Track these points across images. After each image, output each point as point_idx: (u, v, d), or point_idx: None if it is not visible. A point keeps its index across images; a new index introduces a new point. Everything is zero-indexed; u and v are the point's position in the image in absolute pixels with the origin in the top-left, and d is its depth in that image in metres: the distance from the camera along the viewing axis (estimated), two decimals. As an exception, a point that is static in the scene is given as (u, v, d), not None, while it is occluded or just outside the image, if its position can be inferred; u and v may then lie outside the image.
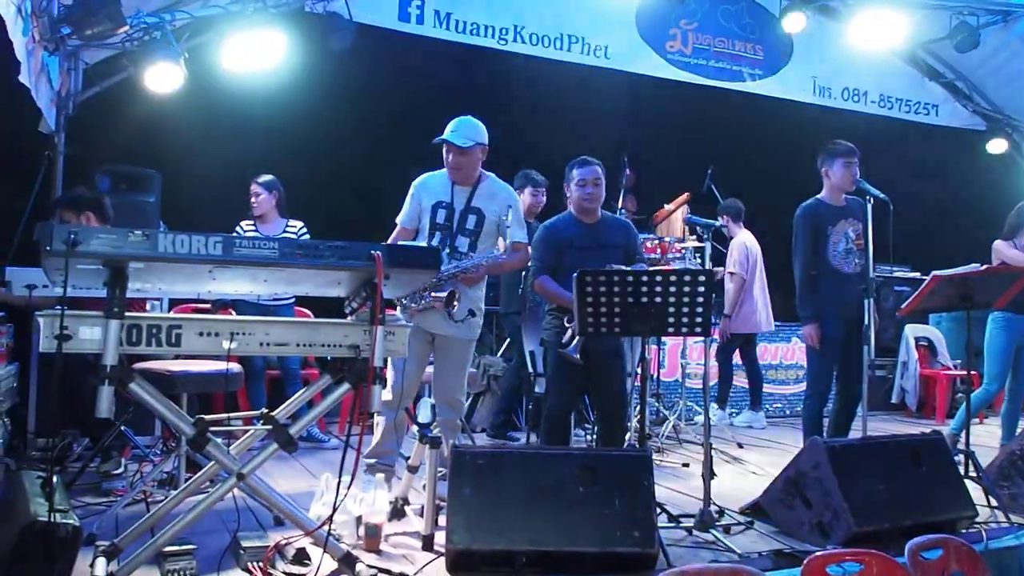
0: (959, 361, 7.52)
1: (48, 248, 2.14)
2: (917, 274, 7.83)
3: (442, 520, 3.01)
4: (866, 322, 4.36)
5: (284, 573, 2.78)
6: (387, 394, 3.64)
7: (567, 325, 3.75)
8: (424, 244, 3.69)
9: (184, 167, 5.43)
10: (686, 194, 5.86)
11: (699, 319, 3.28)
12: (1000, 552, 3.30)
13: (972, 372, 4.83)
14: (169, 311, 4.74)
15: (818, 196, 4.55)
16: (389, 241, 3.83)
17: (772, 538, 3.39)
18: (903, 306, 4.58)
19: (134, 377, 2.42)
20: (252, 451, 2.76)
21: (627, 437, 4.31)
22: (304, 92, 5.84)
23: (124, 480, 3.92)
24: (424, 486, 3.24)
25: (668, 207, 5.89)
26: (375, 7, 5.67)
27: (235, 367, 3.84)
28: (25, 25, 3.69)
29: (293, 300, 5.12)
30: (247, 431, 2.90)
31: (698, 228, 4.85)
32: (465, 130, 3.76)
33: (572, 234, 3.95)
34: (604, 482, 2.92)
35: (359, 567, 2.66)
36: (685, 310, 3.26)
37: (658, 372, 6.19)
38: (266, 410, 2.75)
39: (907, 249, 6.09)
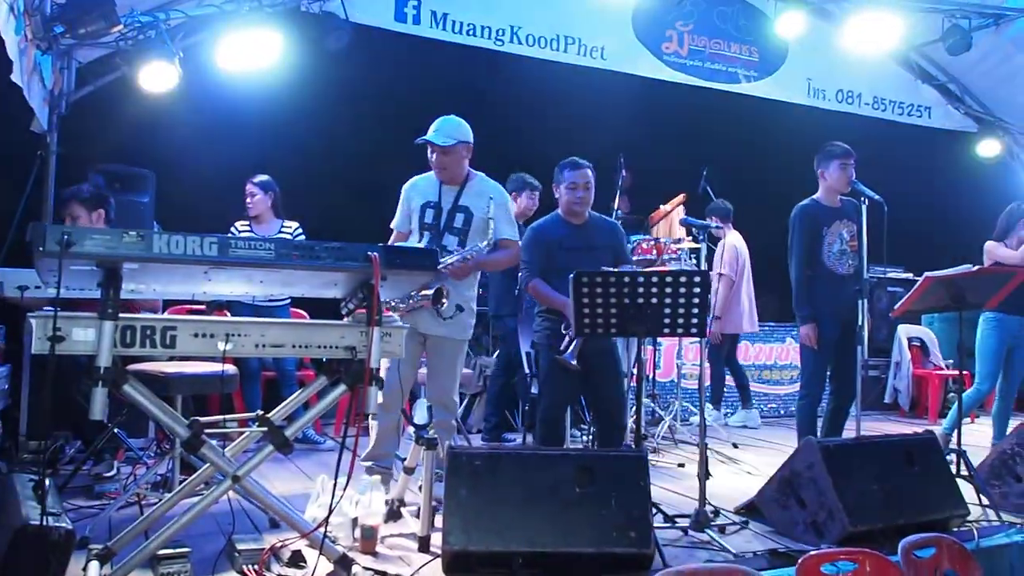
0: (951, 361, 7.56)
1: (41, 249, 2.13)
2: (910, 275, 7.87)
3: (438, 521, 3.01)
4: (860, 323, 4.39)
5: None
6: (380, 397, 3.63)
7: (564, 332, 3.74)
8: (421, 245, 3.69)
9: (178, 167, 5.41)
10: (682, 195, 5.87)
11: (694, 320, 3.30)
12: (991, 550, 3.32)
13: (964, 372, 4.85)
14: (163, 312, 4.72)
15: (814, 197, 4.57)
16: (387, 246, 3.83)
17: (767, 538, 3.41)
18: (896, 307, 4.60)
19: (128, 379, 2.41)
20: (247, 453, 2.75)
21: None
22: (300, 92, 5.83)
23: (117, 483, 3.90)
24: (420, 487, 3.24)
25: (664, 208, 5.89)
26: (371, 7, 5.66)
27: (230, 369, 3.83)
28: (18, 24, 3.67)
29: (288, 301, 5.11)
30: (242, 433, 2.89)
31: (694, 229, 4.85)
32: (447, 129, 3.76)
33: (560, 235, 3.95)
34: (600, 483, 2.92)
35: (355, 569, 2.66)
36: (681, 311, 3.28)
37: (654, 373, 6.21)
38: (261, 412, 2.74)
39: (900, 250, 6.11)
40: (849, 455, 3.44)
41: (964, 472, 4.05)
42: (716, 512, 3.60)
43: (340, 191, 6.18)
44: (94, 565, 2.49)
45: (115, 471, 3.99)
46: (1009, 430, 4.78)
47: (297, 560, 2.83)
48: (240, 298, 4.54)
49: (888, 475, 3.42)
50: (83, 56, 4.98)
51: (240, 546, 2.84)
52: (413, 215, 3.86)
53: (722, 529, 3.45)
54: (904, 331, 7.69)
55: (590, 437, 4.91)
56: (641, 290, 3.26)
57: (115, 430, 3.90)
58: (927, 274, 4.29)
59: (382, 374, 2.65)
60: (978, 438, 5.33)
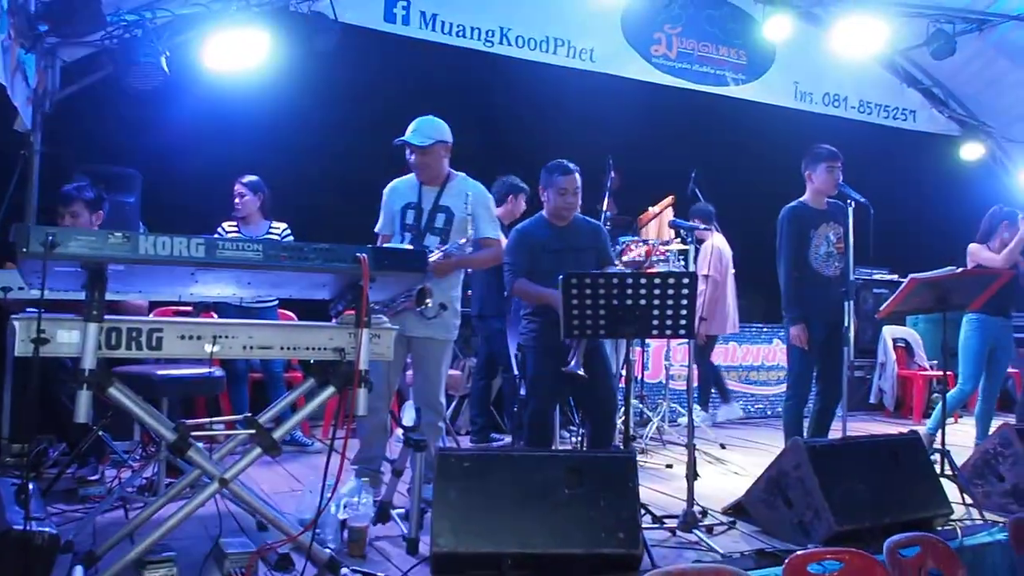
0: (935, 362, 7.62)
1: (25, 250, 2.11)
2: (895, 276, 7.93)
3: (427, 523, 3.00)
4: (846, 324, 4.42)
5: (267, 578, 2.76)
6: None
7: (566, 343, 3.71)
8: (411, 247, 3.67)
9: (165, 167, 5.37)
10: (670, 197, 5.89)
11: (683, 321, 3.31)
12: (974, 549, 3.35)
13: (948, 373, 4.90)
14: (149, 314, 4.69)
15: (801, 199, 4.60)
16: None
17: (754, 538, 3.43)
18: (881, 308, 4.64)
19: (113, 382, 2.39)
20: (234, 456, 2.73)
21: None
22: (288, 92, 5.81)
23: (102, 487, 3.86)
24: (409, 489, 3.23)
25: (653, 210, 5.91)
26: (360, 7, 5.64)
27: (217, 371, 3.81)
28: (1, 22, 3.64)
29: (276, 303, 5.08)
30: (230, 435, 2.88)
31: (682, 231, 4.87)
32: (425, 129, 3.75)
33: (545, 237, 3.96)
34: (589, 484, 2.93)
35: (343, 572, 2.65)
36: (669, 312, 3.30)
37: (642, 374, 6.22)
38: (249, 414, 2.73)
39: (885, 252, 6.16)
40: (835, 455, 3.46)
41: (948, 472, 4.09)
42: (704, 513, 3.62)
43: (328, 192, 6.16)
44: (78, 570, 2.47)
45: (100, 475, 3.95)
46: (991, 430, 4.83)
47: (285, 564, 2.81)
48: (227, 299, 4.51)
49: (873, 475, 3.45)
50: (68, 55, 4.94)
51: (227, 550, 2.82)
52: (395, 217, 3.86)
53: (710, 529, 3.46)
54: (889, 332, 7.75)
55: (579, 438, 4.92)
56: (630, 292, 3.27)
57: (100, 433, 3.86)
58: (912, 276, 4.33)
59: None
60: (962, 438, 5.38)
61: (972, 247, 5.36)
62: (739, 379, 7.31)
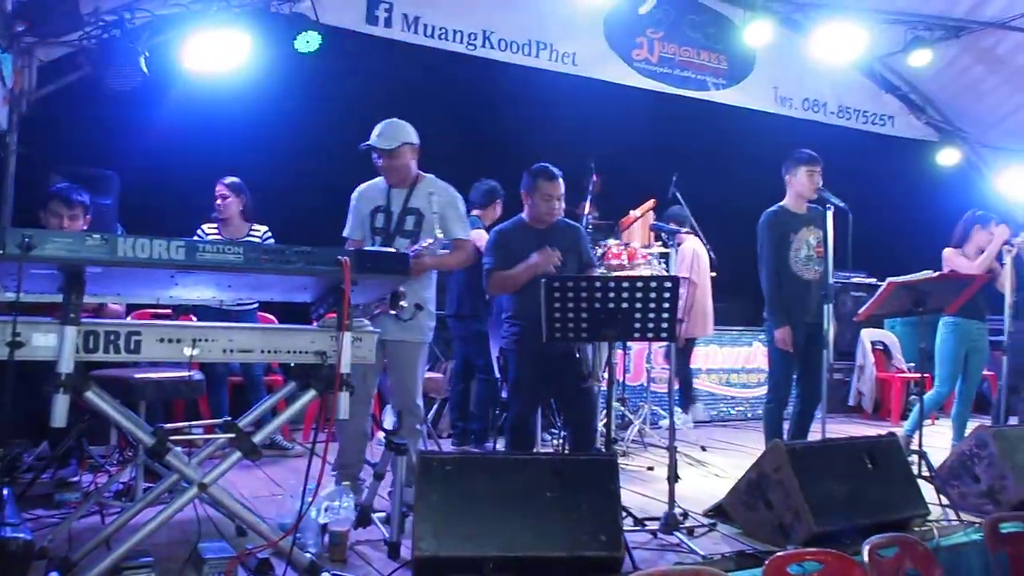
0: (912, 365, 7.70)
1: (1, 252, 2.08)
2: (874, 280, 8.01)
3: (409, 527, 2.99)
4: (825, 327, 4.46)
5: (247, 583, 2.74)
6: None
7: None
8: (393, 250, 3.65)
9: (143, 168, 5.32)
10: (652, 200, 5.91)
11: (665, 324, 3.32)
12: (951, 549, 3.39)
13: (925, 375, 4.95)
14: (127, 317, 4.64)
15: (781, 203, 4.64)
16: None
17: (735, 539, 3.44)
18: (860, 311, 4.69)
19: (91, 385, 2.37)
20: (214, 460, 2.71)
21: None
22: (268, 94, 5.77)
23: (78, 492, 3.81)
24: (390, 493, 3.22)
25: (634, 213, 5.93)
26: (342, 9, 5.63)
27: (196, 374, 3.77)
28: (-22, 22, 3.60)
29: (257, 306, 5.05)
30: (209, 440, 2.85)
31: (663, 234, 4.89)
32: (390, 132, 3.74)
33: (525, 240, 3.95)
34: (571, 487, 2.93)
35: (324, 576, 2.63)
36: (651, 316, 3.31)
37: (623, 377, 6.24)
38: (229, 418, 2.71)
39: (864, 256, 6.22)
40: (815, 457, 3.49)
41: (925, 473, 4.14)
42: (685, 515, 3.63)
43: (310, 194, 6.12)
44: (55, 576, 2.44)
45: (78, 477, 3.90)
46: (967, 432, 4.89)
47: (265, 568, 2.79)
48: (207, 302, 4.48)
49: (852, 476, 3.48)
50: (45, 54, 4.89)
51: (206, 555, 2.79)
52: (364, 221, 3.84)
53: (691, 531, 3.48)
54: (867, 335, 7.82)
55: (561, 441, 4.92)
56: (612, 295, 3.28)
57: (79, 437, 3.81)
58: (890, 279, 4.38)
59: None
60: (938, 440, 5.43)
61: (947, 252, 5.42)
62: (720, 382, 7.35)
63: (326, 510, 3.11)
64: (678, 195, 6.16)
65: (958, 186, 8.28)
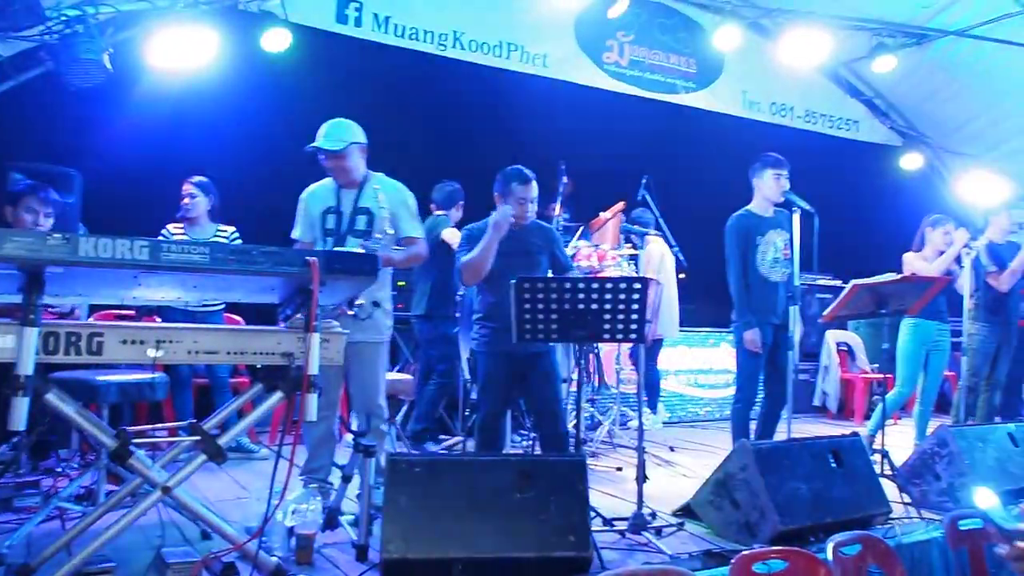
0: (876, 366, 7.83)
1: (-41, 251, 2.04)
2: (839, 282, 8.13)
3: (377, 530, 2.97)
4: (791, 328, 4.52)
5: (212, 588, 2.70)
6: None
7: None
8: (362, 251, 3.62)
9: (106, 167, 5.22)
10: (621, 203, 5.94)
11: (634, 326, 3.34)
12: (912, 546, 3.45)
13: (887, 376, 5.04)
14: (89, 317, 4.56)
15: (748, 207, 4.68)
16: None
17: (702, 539, 3.47)
18: (825, 313, 4.75)
19: (51, 387, 2.32)
20: (178, 463, 2.67)
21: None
22: (236, 92, 5.71)
23: (38, 496, 3.73)
24: (359, 495, 3.20)
25: (604, 215, 5.96)
26: (311, 8, 5.59)
27: (160, 376, 3.72)
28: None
29: (223, 306, 4.99)
30: (173, 442, 2.81)
31: (633, 236, 4.92)
32: (336, 132, 3.72)
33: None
34: (540, 488, 2.93)
35: (290, 580, 2.61)
36: (621, 317, 3.32)
37: (593, 378, 6.26)
38: (193, 420, 2.67)
39: (829, 258, 6.31)
40: (780, 457, 3.53)
41: (887, 471, 4.21)
42: (653, 515, 3.65)
43: (278, 195, 6.04)
44: (13, 582, 2.39)
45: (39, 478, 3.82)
46: (929, 431, 4.98)
47: (230, 572, 2.75)
48: (172, 303, 4.41)
49: (817, 475, 3.53)
50: (5, 49, 4.79)
51: (170, 559, 2.75)
52: (315, 223, 3.81)
53: (659, 531, 3.50)
54: (832, 336, 7.93)
55: (530, 442, 4.92)
56: (582, 296, 3.29)
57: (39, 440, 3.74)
58: (854, 282, 4.45)
59: None
60: (901, 439, 5.53)
61: (907, 256, 5.51)
62: (687, 383, 7.40)
63: (293, 513, 3.08)
64: (648, 197, 6.20)
65: (921, 190, 8.45)
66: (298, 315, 2.56)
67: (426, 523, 2.79)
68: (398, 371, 5.89)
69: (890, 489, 3.89)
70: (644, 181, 6.23)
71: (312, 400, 2.50)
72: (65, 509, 3.32)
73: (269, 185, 6.10)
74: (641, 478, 3.62)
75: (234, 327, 4.36)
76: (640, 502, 3.54)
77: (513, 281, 3.32)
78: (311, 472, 3.74)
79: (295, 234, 3.90)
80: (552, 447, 3.86)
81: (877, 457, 4.26)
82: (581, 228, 5.84)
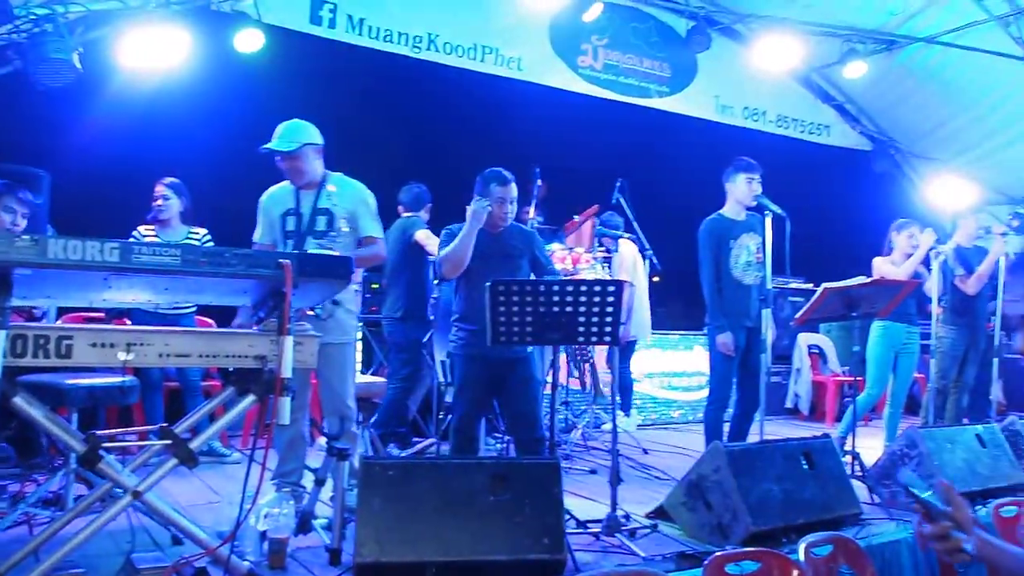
0: (847, 368, 7.92)
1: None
2: (810, 285, 8.21)
3: (350, 533, 2.96)
4: (764, 331, 4.56)
5: (183, 593, 2.67)
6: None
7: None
8: (337, 253, 3.60)
9: (76, 168, 5.16)
10: (595, 206, 5.97)
11: (608, 328, 3.35)
12: (882, 546, 3.49)
13: (858, 378, 5.10)
14: (57, 320, 4.49)
15: (720, 211, 4.73)
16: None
17: (675, 540, 3.49)
18: (797, 315, 4.81)
19: (19, 391, 2.29)
20: (149, 467, 2.64)
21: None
22: (209, 93, 5.66)
23: (3, 500, 3.66)
24: (332, 499, 3.18)
25: (577, 218, 5.98)
26: (285, 9, 5.55)
27: (130, 379, 3.67)
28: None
29: (194, 309, 4.94)
30: (143, 446, 2.78)
31: (605, 240, 4.95)
32: (290, 134, 3.71)
33: (477, 243, 3.93)
34: (514, 490, 2.93)
35: (263, 584, 2.59)
36: (595, 320, 3.33)
37: (588, 386, 6.26)
38: (164, 424, 2.64)
39: (801, 261, 6.37)
40: (753, 459, 3.56)
41: (858, 472, 4.26)
42: (627, 517, 3.66)
43: (251, 197, 6.00)
44: (-22, 589, 2.35)
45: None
46: (898, 432, 5.05)
47: (201, 577, 2.73)
48: (142, 306, 4.36)
49: (788, 477, 3.57)
50: (-29, 48, 4.72)
51: (140, 565, 2.72)
52: (275, 225, 3.79)
53: (632, 533, 3.51)
54: (804, 339, 8.01)
55: (504, 445, 4.93)
56: (557, 299, 3.30)
57: (2, 443, 3.67)
58: (825, 285, 4.50)
59: None
60: (870, 440, 5.60)
61: (875, 261, 5.59)
62: (661, 385, 7.44)
63: (265, 517, 3.06)
64: (622, 200, 6.24)
65: (890, 194, 8.58)
66: (271, 318, 2.54)
67: (400, 526, 2.78)
68: (372, 374, 5.87)
69: (861, 490, 3.94)
70: (618, 184, 6.27)
71: (285, 403, 2.48)
72: (32, 514, 3.27)
73: (242, 187, 6.03)
74: (615, 480, 3.63)
75: (205, 330, 4.31)
76: (614, 504, 3.56)
77: (488, 284, 3.32)
78: (283, 476, 3.71)
79: (256, 237, 3.89)
80: (528, 453, 3.86)
81: (848, 458, 4.32)
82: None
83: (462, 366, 3.90)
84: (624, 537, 3.39)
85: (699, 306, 4.72)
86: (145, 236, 4.85)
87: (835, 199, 8.35)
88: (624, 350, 6.49)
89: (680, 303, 7.46)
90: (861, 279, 4.65)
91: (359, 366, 5.95)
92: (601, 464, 5.05)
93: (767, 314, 4.56)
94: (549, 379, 4.00)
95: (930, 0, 6.66)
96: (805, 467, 3.67)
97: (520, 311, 3.30)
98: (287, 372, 2.47)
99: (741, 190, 4.64)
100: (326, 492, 3.44)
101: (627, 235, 5.99)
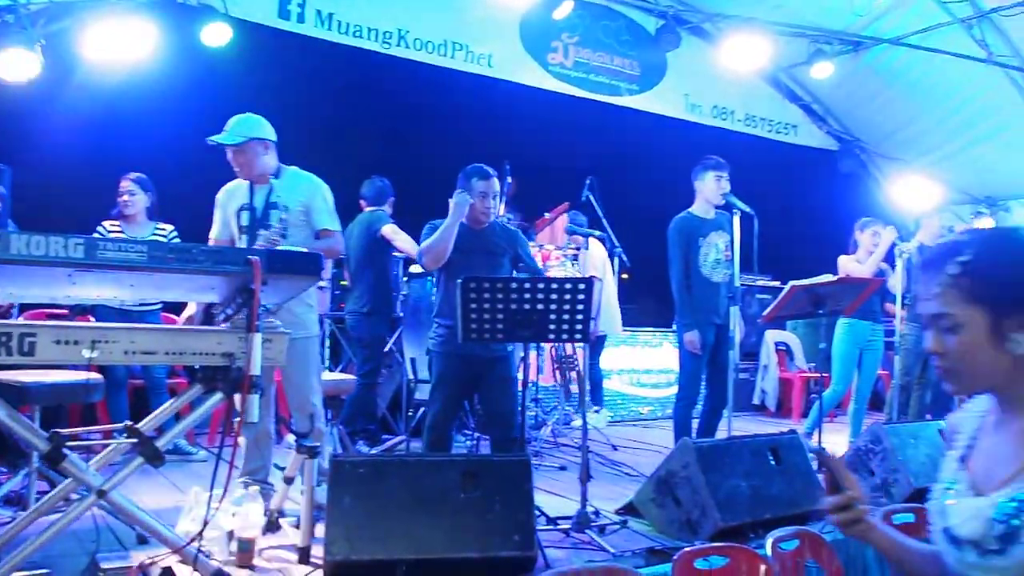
0: (813, 364, 8.03)
1: None
2: (778, 283, 8.31)
3: (320, 531, 2.94)
4: (732, 328, 4.61)
5: (149, 594, 2.64)
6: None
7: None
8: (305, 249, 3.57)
9: (39, 162, 5.05)
10: (565, 203, 5.99)
11: (579, 326, 3.37)
12: (848, 540, 3.53)
13: (824, 375, 5.18)
14: (19, 317, 4.40)
15: (689, 209, 4.77)
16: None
17: (645, 536, 3.51)
18: (764, 313, 4.87)
19: (-20, 389, 2.24)
20: (113, 466, 2.60)
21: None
22: (175, 87, 5.57)
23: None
24: (302, 493, 3.15)
25: (547, 215, 6.00)
26: (253, 2, 5.49)
27: (95, 377, 3.61)
28: None
29: (160, 306, 4.87)
30: (107, 445, 2.73)
31: (577, 237, 4.96)
32: (237, 128, 3.71)
33: (459, 238, 3.92)
34: (485, 487, 2.93)
35: (231, 584, 2.56)
36: (566, 317, 3.35)
37: (537, 377, 6.29)
38: (129, 422, 2.60)
39: (769, 259, 6.45)
40: (721, 455, 3.59)
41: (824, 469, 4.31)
42: (596, 513, 3.68)
43: (216, 192, 5.94)
44: (-63, 592, 2.30)
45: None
46: (863, 428, 5.14)
47: (168, 577, 2.70)
48: (107, 302, 4.29)
49: (756, 473, 3.61)
50: (-71, 39, 4.60)
51: (104, 564, 2.69)
52: (231, 221, 3.77)
53: (602, 529, 3.53)
54: (771, 336, 8.11)
55: (474, 442, 4.93)
56: (527, 296, 3.31)
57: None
58: (792, 283, 4.56)
59: None
60: (836, 436, 5.68)
61: (841, 259, 5.68)
62: (630, 382, 7.49)
63: (233, 516, 3.03)
64: (591, 198, 6.26)
65: (856, 194, 8.71)
66: (239, 315, 2.52)
67: (370, 524, 2.77)
68: (341, 371, 5.83)
69: (826, 485, 3.99)
70: (588, 182, 6.29)
71: (254, 401, 2.45)
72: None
73: (209, 184, 5.95)
74: (585, 477, 3.65)
75: (172, 327, 4.26)
76: (584, 501, 3.57)
77: (459, 281, 3.32)
78: (250, 473, 3.67)
79: (212, 234, 3.86)
80: (503, 452, 3.86)
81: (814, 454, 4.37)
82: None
83: (440, 363, 3.88)
84: (594, 533, 3.41)
85: (668, 303, 4.76)
86: (110, 232, 4.77)
87: (802, 198, 8.45)
88: (594, 346, 6.52)
89: (649, 300, 7.50)
90: (828, 277, 4.72)
91: (327, 363, 5.92)
92: (571, 461, 5.07)
93: (735, 311, 4.61)
94: (519, 375, 4.00)
95: (895, 2, 6.77)
96: (772, 463, 3.72)
97: (491, 308, 3.30)
98: (256, 369, 2.45)
99: (710, 188, 4.68)
100: (295, 490, 3.41)
101: (597, 232, 6.01)
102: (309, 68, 6.18)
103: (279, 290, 2.64)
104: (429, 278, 5.58)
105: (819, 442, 4.52)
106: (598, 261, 6.41)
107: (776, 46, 7.19)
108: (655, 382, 7.62)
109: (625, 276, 6.55)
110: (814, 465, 4.11)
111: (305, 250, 3.51)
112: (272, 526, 3.30)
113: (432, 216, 4.14)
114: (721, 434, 4.66)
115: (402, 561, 2.73)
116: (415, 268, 5.75)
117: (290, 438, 3.99)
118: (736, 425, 4.88)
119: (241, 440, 3.62)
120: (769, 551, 2.65)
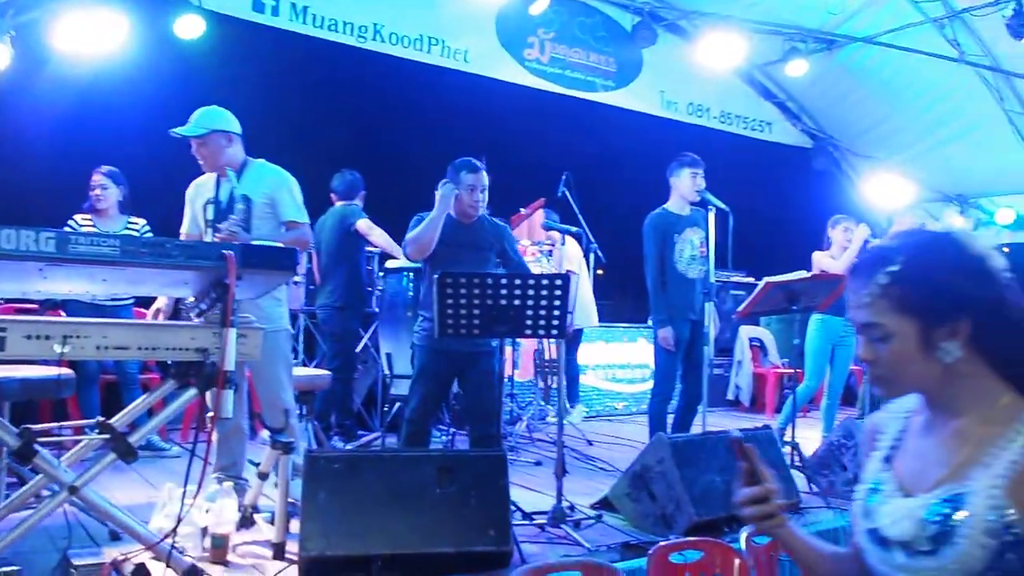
0: (786, 360, 8.11)
1: None
2: (752, 279, 8.38)
3: (295, 527, 2.93)
4: (707, 324, 4.65)
5: (121, 591, 2.61)
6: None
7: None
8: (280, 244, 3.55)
9: (8, 156, 4.97)
10: (541, 199, 6.00)
11: (555, 322, 3.38)
12: (820, 534, 3.59)
13: (797, 370, 5.23)
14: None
15: (665, 206, 4.79)
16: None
17: (620, 531, 3.54)
18: (739, 309, 4.91)
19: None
20: (85, 462, 2.57)
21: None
22: (147, 79, 5.49)
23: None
24: (276, 486, 3.14)
25: (523, 211, 6.00)
26: (227, -5, 5.44)
27: (66, 372, 3.56)
28: None
29: (132, 301, 4.81)
30: (79, 441, 2.70)
31: (554, 233, 4.97)
32: (200, 120, 3.70)
33: (446, 232, 3.88)
34: (460, 483, 2.94)
35: (205, 580, 2.54)
36: (543, 313, 3.36)
37: (513, 372, 6.30)
38: (102, 418, 2.57)
39: (743, 256, 6.51)
40: (695, 450, 3.63)
41: (797, 463, 4.38)
42: (572, 508, 3.69)
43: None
44: (-96, 591, 2.26)
45: None
46: (836, 423, 5.20)
47: (141, 573, 2.67)
48: (79, 297, 4.24)
49: (730, 468, 3.61)
50: None
51: (76, 561, 2.65)
52: (199, 215, 3.76)
53: (577, 524, 3.55)
54: (745, 332, 8.18)
55: (449, 437, 4.93)
56: (504, 292, 3.31)
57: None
58: (766, 279, 4.61)
59: None
60: (809, 431, 5.75)
61: (815, 255, 5.73)
62: (606, 377, 7.52)
63: (207, 512, 3.00)
64: (567, 194, 6.27)
65: (830, 191, 8.81)
66: (213, 310, 2.50)
67: (345, 519, 2.77)
68: (315, 366, 5.80)
69: (800, 480, 4.04)
70: (564, 178, 6.30)
71: (228, 397, 2.44)
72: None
73: (181, 177, 5.88)
74: (560, 472, 3.66)
75: (145, 322, 4.21)
76: (559, 495, 3.59)
77: (436, 276, 3.31)
78: (223, 469, 3.65)
79: (182, 229, 3.85)
80: (483, 448, 3.86)
81: (788, 449, 4.43)
82: None
83: (423, 357, 3.87)
84: (569, 528, 3.43)
85: (643, 299, 4.78)
86: (82, 226, 4.71)
87: (777, 195, 8.52)
88: (570, 341, 6.54)
89: (625, 296, 7.54)
90: (802, 273, 4.77)
91: (301, 357, 5.88)
92: (546, 456, 5.09)
93: (711, 307, 4.65)
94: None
95: (868, 1, 6.85)
96: (747, 457, 3.76)
97: (468, 303, 3.31)
98: (230, 365, 2.43)
99: (685, 185, 4.71)
100: (269, 486, 3.39)
101: (573, 228, 6.03)
102: (284, 62, 6.12)
103: (254, 285, 2.62)
104: (405, 274, 5.57)
105: (793, 437, 4.57)
106: (574, 257, 6.43)
107: (751, 44, 7.25)
108: (630, 377, 7.66)
109: (600, 272, 6.57)
110: (788, 460, 4.18)
111: (280, 244, 3.49)
112: (246, 522, 3.28)
113: (406, 210, 4.13)
114: (696, 429, 4.70)
115: (377, 556, 2.73)
116: (391, 263, 5.73)
117: (264, 434, 3.97)
118: (710, 420, 4.93)
119: (214, 436, 3.60)
120: (743, 545, 2.68)
